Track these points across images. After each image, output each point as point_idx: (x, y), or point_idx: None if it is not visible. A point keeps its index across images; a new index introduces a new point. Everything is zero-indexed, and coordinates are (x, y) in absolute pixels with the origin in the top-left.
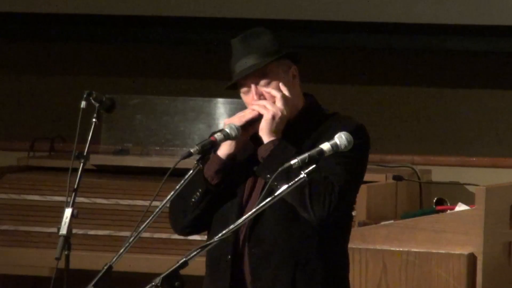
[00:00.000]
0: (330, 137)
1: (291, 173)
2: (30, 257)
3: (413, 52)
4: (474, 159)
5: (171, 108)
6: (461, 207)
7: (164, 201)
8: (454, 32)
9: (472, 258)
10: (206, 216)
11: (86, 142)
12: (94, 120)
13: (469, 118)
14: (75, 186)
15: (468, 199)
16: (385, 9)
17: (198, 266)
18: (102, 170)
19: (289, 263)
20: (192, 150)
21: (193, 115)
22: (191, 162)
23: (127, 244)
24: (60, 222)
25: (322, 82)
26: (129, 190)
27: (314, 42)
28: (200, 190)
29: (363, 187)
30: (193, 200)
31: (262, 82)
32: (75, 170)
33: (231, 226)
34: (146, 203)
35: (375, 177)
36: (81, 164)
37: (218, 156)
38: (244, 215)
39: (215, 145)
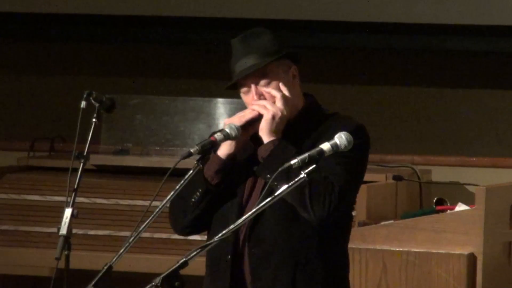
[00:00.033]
0: (330, 137)
1: (291, 173)
2: (30, 257)
3: (413, 52)
4: (474, 159)
5: (171, 108)
6: (461, 207)
7: (164, 201)
8: (454, 32)
9: (472, 258)
10: (206, 216)
11: (86, 142)
12: (94, 120)
13: (469, 118)
14: (75, 186)
15: (468, 199)
16: (385, 9)
17: (198, 266)
18: (102, 170)
19: (289, 263)
20: (192, 150)
21: (193, 115)
22: (191, 162)
23: (127, 244)
24: (60, 222)
25: (322, 82)
26: (129, 190)
27: (314, 42)
28: (200, 190)
29: (363, 187)
30: (193, 200)
31: (262, 82)
32: (75, 170)
33: (231, 226)
34: (146, 203)
35: (375, 177)
36: (81, 164)
37: (218, 156)
38: (244, 215)
39: (215, 145)
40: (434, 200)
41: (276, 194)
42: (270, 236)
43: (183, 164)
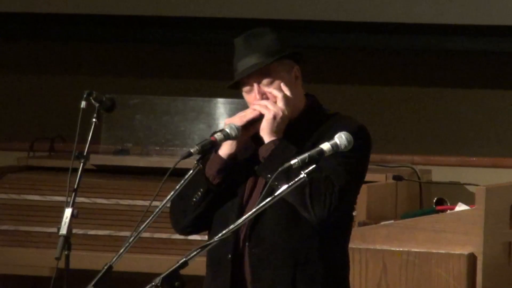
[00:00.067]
0: (331, 137)
1: (291, 173)
2: (30, 257)
3: (413, 52)
4: (474, 159)
5: (171, 108)
6: (461, 207)
7: (164, 201)
8: (454, 32)
9: (472, 258)
10: (207, 215)
11: (86, 142)
12: (94, 120)
13: (469, 118)
14: (75, 186)
15: (468, 199)
16: (385, 9)
17: (198, 266)
18: (102, 170)
19: (289, 263)
20: (192, 150)
21: (193, 115)
22: (191, 162)
23: (127, 244)
24: (60, 222)
25: (322, 82)
26: (129, 190)
27: (314, 42)
28: (201, 189)
29: (363, 187)
30: (194, 199)
31: (265, 81)
32: (75, 170)
33: (231, 226)
34: (146, 203)
35: (375, 177)
36: (81, 164)
37: (219, 156)
38: (245, 214)
39: (215, 145)
40: (434, 200)
41: (276, 194)
42: (270, 236)
43: (183, 164)
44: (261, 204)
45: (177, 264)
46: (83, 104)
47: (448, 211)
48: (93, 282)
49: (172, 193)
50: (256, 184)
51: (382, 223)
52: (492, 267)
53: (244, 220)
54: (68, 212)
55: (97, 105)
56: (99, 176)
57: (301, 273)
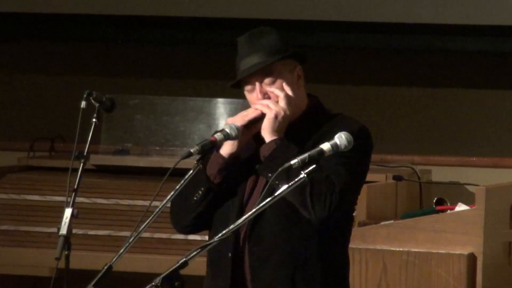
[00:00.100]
0: (331, 138)
1: (292, 173)
2: (30, 257)
3: (413, 52)
4: (474, 159)
5: (171, 108)
6: (461, 207)
7: (164, 201)
8: (454, 32)
9: (472, 258)
10: (208, 214)
11: (86, 142)
12: (94, 120)
13: (469, 118)
14: (75, 186)
15: (468, 199)
16: (385, 9)
17: (198, 266)
18: (102, 170)
19: (288, 263)
20: (192, 150)
21: (193, 115)
22: (191, 162)
23: (127, 244)
24: (60, 222)
25: (322, 82)
26: (129, 190)
27: (314, 42)
28: (202, 188)
29: (363, 187)
30: (195, 198)
31: (267, 80)
32: (75, 170)
33: (231, 226)
34: (146, 203)
35: (375, 177)
36: (81, 164)
37: (220, 155)
38: (245, 214)
39: (215, 145)
40: (434, 200)
41: (276, 194)
42: (270, 236)
43: (183, 164)
44: (261, 204)
45: (177, 264)
46: (83, 104)
47: (448, 211)
48: (93, 282)
49: (172, 193)
50: (257, 184)
51: (382, 223)
52: (492, 267)
53: (244, 220)
54: (68, 212)
55: (97, 105)
56: (99, 176)
57: (300, 272)
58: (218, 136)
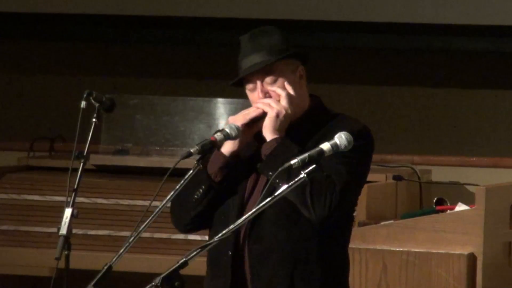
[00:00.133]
0: (332, 138)
1: (292, 172)
2: (30, 257)
3: (413, 52)
4: (474, 159)
5: (171, 108)
6: (461, 207)
7: (164, 201)
8: (454, 32)
9: (472, 258)
10: (208, 213)
11: (86, 142)
12: (94, 120)
13: (469, 118)
14: (75, 186)
15: (468, 199)
16: (385, 9)
17: (198, 266)
18: (102, 170)
19: (288, 262)
20: (192, 150)
21: (193, 115)
22: (191, 162)
23: (127, 244)
24: (60, 222)
25: (322, 82)
26: (129, 190)
27: (314, 42)
28: (203, 186)
29: (363, 187)
30: (195, 196)
31: (268, 79)
32: (75, 170)
33: (231, 226)
34: (146, 203)
35: (375, 177)
36: (81, 164)
37: (221, 153)
38: (245, 212)
39: (215, 145)
40: (434, 200)
41: (276, 194)
42: (270, 234)
43: (183, 164)
44: (261, 204)
45: (177, 264)
46: (83, 104)
47: (448, 211)
48: (93, 282)
49: (172, 193)
50: (258, 182)
51: (382, 223)
52: (492, 267)
53: (244, 220)
54: (68, 212)
55: (97, 105)
56: (99, 176)
57: (299, 271)
58: (218, 136)
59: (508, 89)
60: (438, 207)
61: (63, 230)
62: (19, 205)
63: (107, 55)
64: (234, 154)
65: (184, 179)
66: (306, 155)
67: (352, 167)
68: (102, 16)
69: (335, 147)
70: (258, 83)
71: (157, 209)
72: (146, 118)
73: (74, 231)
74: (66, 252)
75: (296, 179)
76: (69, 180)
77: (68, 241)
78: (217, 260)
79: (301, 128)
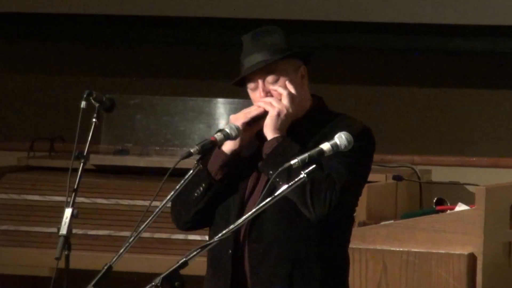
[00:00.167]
0: (332, 138)
1: (292, 172)
2: (30, 257)
3: (413, 52)
4: (474, 159)
5: (171, 108)
6: (461, 207)
7: (164, 201)
8: (454, 32)
9: (472, 258)
10: (208, 211)
11: (86, 142)
12: (94, 120)
13: (469, 118)
14: (75, 186)
15: (468, 199)
16: (385, 9)
17: (198, 266)
18: (102, 170)
19: (287, 261)
20: (192, 150)
21: (193, 115)
22: (191, 162)
23: (127, 244)
24: (60, 222)
25: (322, 82)
26: (129, 190)
27: (314, 42)
28: (203, 184)
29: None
30: (195, 194)
31: (270, 78)
32: (75, 170)
33: (231, 226)
34: (146, 203)
35: (375, 177)
36: (81, 164)
37: (222, 152)
38: (246, 210)
39: (215, 145)
40: (434, 200)
41: (276, 194)
42: (270, 233)
43: (183, 164)
44: (261, 204)
45: (177, 264)
46: (83, 104)
47: (448, 211)
48: (93, 282)
49: (172, 193)
50: (259, 181)
51: (382, 223)
52: (492, 267)
53: (244, 220)
54: (68, 212)
55: (97, 105)
56: (99, 176)
57: (299, 270)
58: (218, 136)
59: (508, 89)
60: (438, 207)
61: (63, 230)
62: (19, 205)
63: (107, 55)
64: (235, 153)
65: (184, 179)
66: (306, 155)
67: (352, 167)
68: (102, 16)
69: (335, 147)
70: (260, 82)
71: (157, 209)
72: (146, 118)
73: (74, 231)
74: (66, 252)
75: (296, 179)
76: (69, 180)
77: (68, 241)
78: (217, 259)
79: (302, 127)
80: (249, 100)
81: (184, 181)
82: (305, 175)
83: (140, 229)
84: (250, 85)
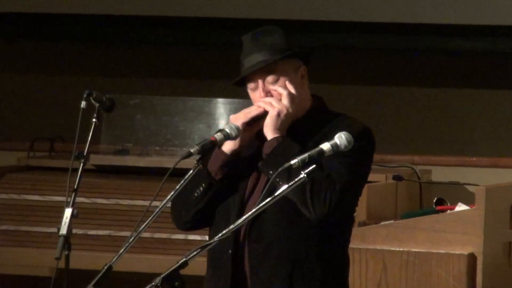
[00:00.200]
0: (332, 138)
1: (292, 172)
2: (30, 257)
3: (413, 52)
4: (474, 159)
5: (171, 108)
6: (461, 207)
7: (164, 201)
8: (454, 32)
9: (472, 258)
10: (208, 211)
11: (86, 142)
12: (94, 120)
13: (469, 118)
14: (75, 186)
15: (468, 199)
16: (385, 9)
17: (198, 266)
18: (102, 170)
19: (287, 260)
20: (192, 150)
21: (193, 115)
22: (191, 162)
23: (127, 244)
24: (60, 222)
25: (322, 82)
26: (129, 190)
27: (314, 42)
28: (203, 184)
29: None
30: (195, 194)
31: (270, 78)
32: (75, 170)
33: (231, 226)
34: (146, 203)
35: (375, 177)
36: (81, 164)
37: (222, 152)
38: (246, 211)
39: (215, 145)
40: (434, 200)
41: (276, 194)
42: (270, 233)
43: (183, 164)
44: (261, 204)
45: (177, 264)
46: (83, 104)
47: (448, 211)
48: (93, 282)
49: (172, 193)
50: (259, 181)
51: (382, 223)
52: (492, 267)
53: (243, 220)
54: (68, 212)
55: (97, 105)
56: (99, 176)
57: (298, 270)
58: (218, 136)
59: (508, 89)
60: (438, 207)
61: (63, 230)
62: (19, 205)
63: (107, 55)
64: (235, 153)
65: (184, 179)
66: (306, 155)
67: (352, 167)
68: (102, 16)
69: (335, 147)
70: (260, 82)
71: (157, 209)
72: (146, 118)
73: (74, 231)
74: (66, 252)
75: (296, 179)
76: (69, 180)
77: (68, 241)
78: (217, 259)
79: (302, 127)
80: (249, 100)
81: (184, 181)
82: (305, 175)
83: (140, 229)
84: (250, 85)
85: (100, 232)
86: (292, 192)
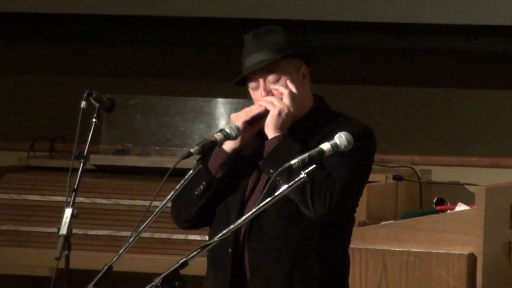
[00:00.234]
0: (333, 138)
1: (292, 172)
2: (30, 257)
3: (413, 52)
4: (474, 159)
5: (171, 108)
6: (461, 207)
7: (164, 201)
8: (454, 32)
9: (472, 258)
10: (209, 209)
11: (86, 142)
12: (94, 120)
13: (469, 118)
14: (75, 186)
15: (468, 199)
16: (386, 9)
17: (198, 266)
18: (102, 170)
19: (287, 260)
20: (192, 150)
21: (193, 115)
22: (191, 162)
23: (127, 244)
24: (60, 222)
25: (322, 82)
26: (129, 190)
27: (314, 42)
28: (203, 183)
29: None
30: (196, 193)
31: (271, 77)
32: (75, 170)
33: (231, 226)
34: (146, 203)
35: (375, 177)
36: (81, 164)
37: (223, 150)
38: (246, 210)
39: (215, 145)
40: (434, 200)
41: (276, 194)
42: (270, 232)
43: (183, 164)
44: (262, 204)
45: (177, 264)
46: (83, 104)
47: (448, 211)
48: (93, 282)
49: (172, 193)
50: (259, 180)
51: (382, 223)
52: (492, 267)
53: (244, 220)
54: (68, 212)
55: (97, 105)
56: (99, 176)
57: (298, 270)
58: (218, 136)
59: (508, 89)
60: (438, 207)
61: (63, 230)
62: (19, 205)
63: (107, 55)
64: (235, 151)
65: (184, 179)
66: (306, 155)
67: (353, 166)
68: (102, 16)
69: (335, 147)
70: (261, 81)
71: (157, 209)
72: (146, 118)
73: (74, 231)
74: (66, 252)
75: (296, 179)
76: (69, 180)
77: (68, 241)
78: (217, 258)
79: (303, 127)
80: (249, 100)
81: (184, 181)
82: (305, 175)
83: (140, 229)
84: (251, 85)
85: (100, 232)
86: (293, 192)
